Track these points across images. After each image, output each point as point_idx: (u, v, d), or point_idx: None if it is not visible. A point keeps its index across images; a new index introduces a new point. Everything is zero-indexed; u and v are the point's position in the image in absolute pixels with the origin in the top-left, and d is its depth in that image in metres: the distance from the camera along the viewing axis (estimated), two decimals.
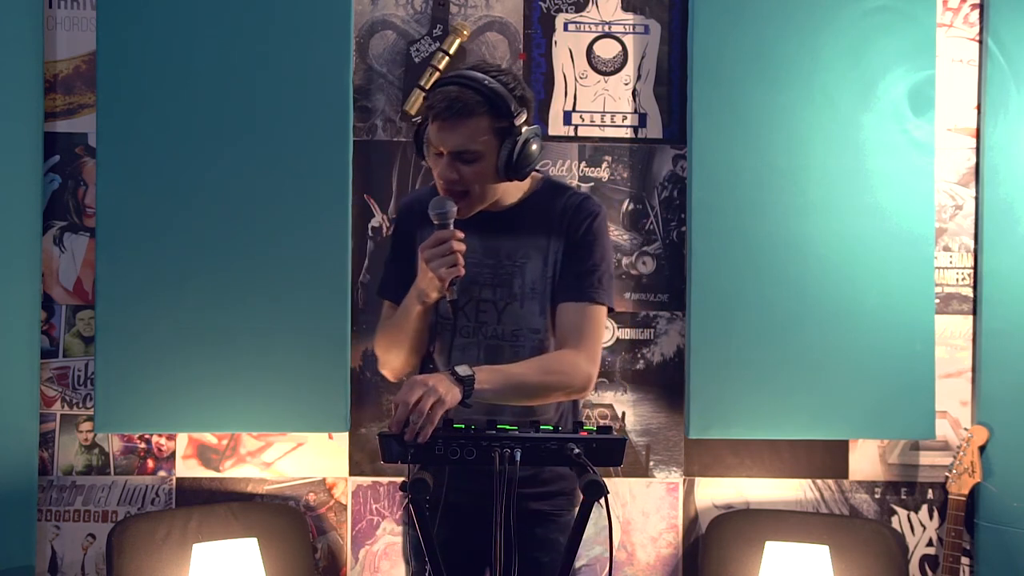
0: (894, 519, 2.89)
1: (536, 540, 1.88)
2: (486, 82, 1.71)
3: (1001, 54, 2.82)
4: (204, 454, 2.83)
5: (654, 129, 2.89)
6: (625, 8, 2.88)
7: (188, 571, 2.54)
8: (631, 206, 2.89)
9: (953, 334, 2.89)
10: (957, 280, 2.90)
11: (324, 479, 2.85)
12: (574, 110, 2.88)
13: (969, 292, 2.90)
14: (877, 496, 2.90)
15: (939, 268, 2.86)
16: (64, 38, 2.81)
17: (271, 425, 2.73)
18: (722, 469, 2.88)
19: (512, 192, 1.85)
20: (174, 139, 2.68)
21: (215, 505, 2.74)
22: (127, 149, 2.68)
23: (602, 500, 1.49)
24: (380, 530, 2.85)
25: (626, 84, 2.89)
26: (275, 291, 2.66)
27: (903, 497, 2.90)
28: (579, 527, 1.55)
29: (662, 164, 2.89)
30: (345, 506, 2.84)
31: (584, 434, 1.58)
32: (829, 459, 2.89)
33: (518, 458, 1.53)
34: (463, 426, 1.59)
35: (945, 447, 2.88)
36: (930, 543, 2.91)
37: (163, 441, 2.83)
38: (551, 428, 1.60)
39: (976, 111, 2.89)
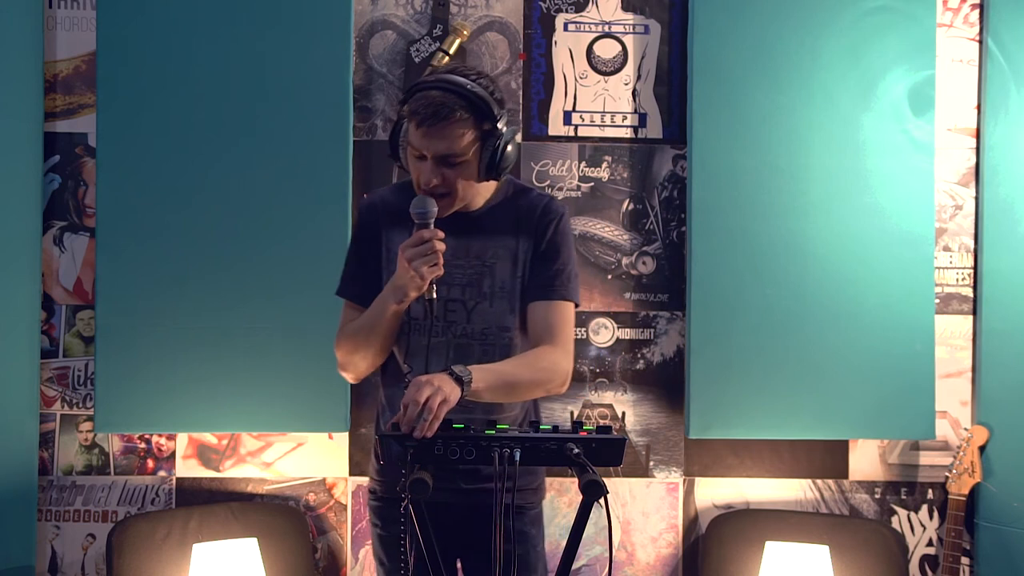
0: (894, 519, 2.89)
1: (507, 533, 1.90)
2: (468, 86, 1.73)
3: (1001, 54, 2.82)
4: (204, 454, 2.83)
5: (654, 129, 2.89)
6: (625, 8, 2.89)
7: (188, 571, 2.54)
8: (631, 206, 2.89)
9: (953, 334, 2.89)
10: (957, 280, 2.90)
11: (324, 479, 2.85)
12: (574, 110, 2.88)
13: (969, 292, 2.90)
14: (877, 496, 2.90)
15: (939, 268, 2.86)
16: (64, 38, 2.81)
17: (271, 425, 2.74)
18: (722, 469, 2.88)
19: (482, 193, 1.87)
20: (174, 139, 2.68)
21: (215, 505, 2.74)
22: (127, 149, 2.68)
23: (602, 500, 1.49)
24: None
25: (626, 84, 2.89)
26: (275, 291, 2.66)
27: (903, 497, 2.90)
28: (579, 527, 1.55)
29: (662, 164, 2.89)
30: (345, 506, 2.85)
31: (584, 434, 1.58)
32: (829, 459, 2.89)
33: (518, 458, 1.54)
34: (462, 426, 1.60)
35: (945, 447, 2.88)
36: (930, 543, 2.91)
37: (163, 441, 2.83)
38: (550, 428, 1.60)
39: (976, 111, 2.89)
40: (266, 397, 2.67)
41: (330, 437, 2.84)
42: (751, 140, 2.74)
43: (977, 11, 2.89)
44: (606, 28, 2.89)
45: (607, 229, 2.88)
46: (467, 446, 1.56)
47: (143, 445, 2.83)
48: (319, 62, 2.70)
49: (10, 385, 2.67)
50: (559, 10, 2.88)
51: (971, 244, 2.90)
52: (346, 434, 2.82)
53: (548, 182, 2.87)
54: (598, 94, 2.89)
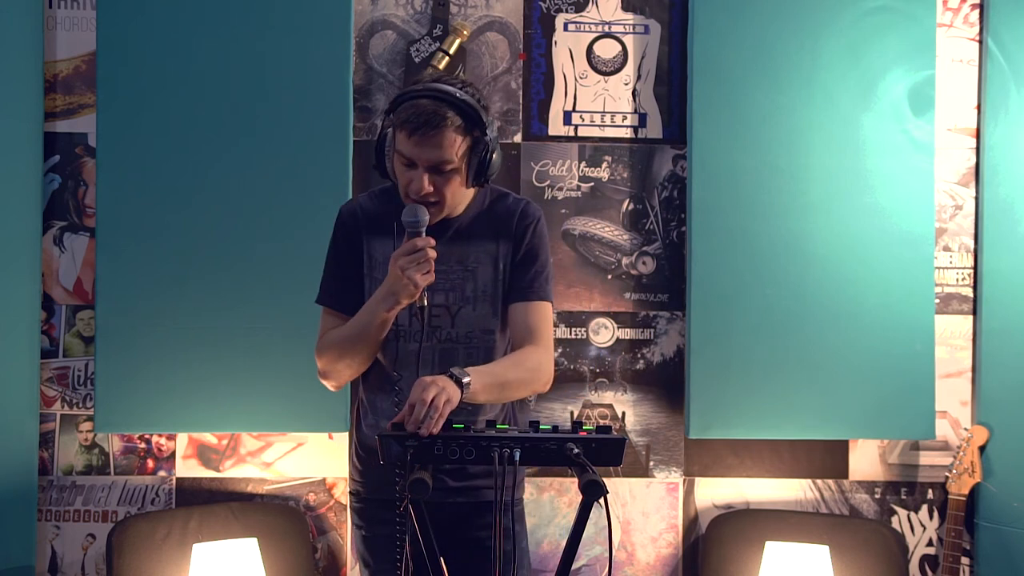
0: (894, 519, 2.89)
1: (489, 527, 1.92)
2: (458, 95, 1.75)
3: (1001, 54, 2.82)
4: (204, 454, 2.83)
5: (654, 129, 2.89)
6: (625, 8, 2.88)
7: (188, 571, 2.54)
8: (631, 206, 2.89)
9: (953, 334, 2.89)
10: (957, 280, 2.90)
11: (324, 479, 2.85)
12: (574, 110, 2.88)
13: (969, 292, 2.90)
14: (877, 496, 2.89)
15: (939, 268, 2.86)
16: (64, 38, 2.81)
17: (271, 425, 2.74)
18: (722, 469, 2.88)
19: (464, 199, 1.89)
20: (174, 139, 2.68)
21: (215, 505, 2.74)
22: (127, 149, 2.68)
23: (602, 500, 1.49)
24: None
25: (626, 84, 2.89)
26: (275, 290, 2.66)
27: (903, 497, 2.90)
28: (579, 527, 1.55)
29: (662, 164, 2.89)
30: (345, 506, 2.84)
31: (583, 434, 1.58)
32: (829, 459, 2.89)
33: (517, 458, 1.54)
34: (462, 426, 1.60)
35: (945, 447, 2.88)
36: (930, 543, 2.91)
37: (163, 441, 2.83)
38: (550, 428, 1.60)
39: (976, 111, 2.89)
40: (266, 397, 2.67)
41: (330, 437, 2.84)
42: (751, 140, 2.74)
43: (977, 11, 2.89)
44: (606, 28, 2.89)
45: (607, 229, 2.88)
46: (467, 446, 1.56)
47: (143, 445, 2.83)
48: (319, 62, 2.70)
49: (10, 385, 2.67)
50: (559, 10, 2.88)
51: (971, 244, 2.90)
52: (346, 434, 2.82)
53: (548, 182, 2.87)
54: (598, 94, 2.89)
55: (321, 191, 2.67)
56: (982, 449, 2.76)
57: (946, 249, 2.90)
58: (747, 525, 2.75)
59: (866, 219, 2.74)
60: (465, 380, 1.67)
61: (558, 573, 1.59)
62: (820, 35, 2.74)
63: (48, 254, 2.81)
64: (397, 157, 1.79)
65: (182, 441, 2.83)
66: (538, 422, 1.62)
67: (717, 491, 2.88)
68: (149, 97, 2.68)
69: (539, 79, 2.88)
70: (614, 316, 2.88)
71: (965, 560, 2.82)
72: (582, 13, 2.88)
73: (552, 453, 1.57)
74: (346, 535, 2.85)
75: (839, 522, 2.77)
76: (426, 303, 1.76)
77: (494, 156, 1.82)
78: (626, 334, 2.89)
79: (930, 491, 2.90)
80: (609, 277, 2.88)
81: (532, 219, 1.93)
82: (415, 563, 1.59)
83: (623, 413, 2.87)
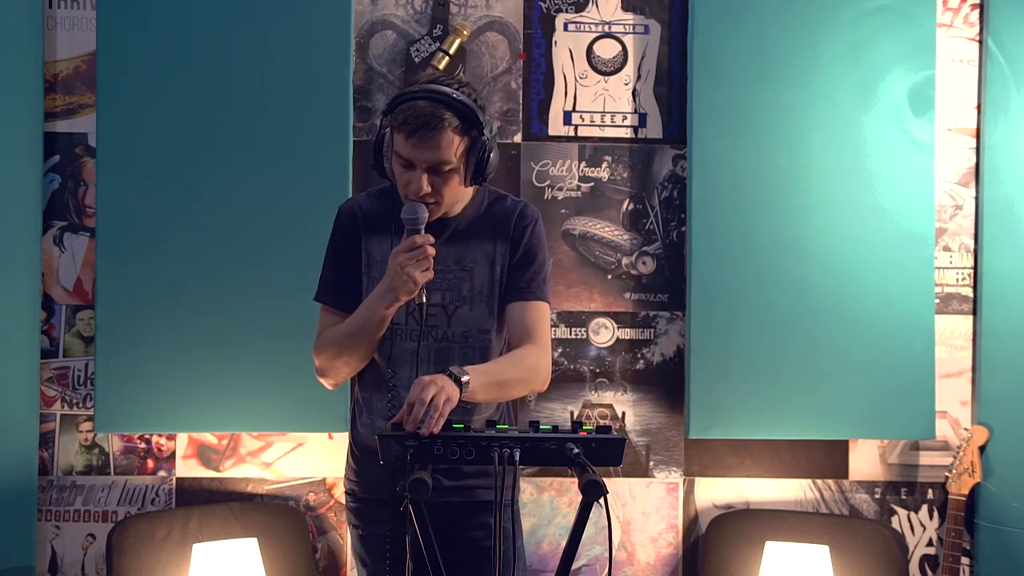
0: (894, 519, 2.89)
1: (487, 527, 1.92)
2: (454, 95, 1.75)
3: (1001, 54, 2.82)
4: (204, 454, 2.83)
5: (654, 129, 2.89)
6: (625, 8, 2.88)
7: (188, 571, 2.54)
8: (631, 206, 2.89)
9: (953, 334, 2.89)
10: (957, 280, 2.90)
11: (324, 479, 2.85)
12: (574, 110, 2.88)
13: (969, 292, 2.90)
14: (877, 496, 2.89)
15: (939, 268, 2.86)
16: (64, 38, 2.81)
17: (271, 425, 2.74)
18: (722, 469, 2.88)
19: (461, 199, 1.90)
20: (174, 139, 2.68)
21: (215, 505, 2.74)
22: (127, 149, 2.68)
23: (602, 500, 1.49)
24: None
25: (626, 84, 2.89)
26: (275, 290, 2.66)
27: (903, 497, 2.90)
28: (579, 527, 1.55)
29: (662, 164, 2.89)
30: (345, 506, 2.84)
31: (583, 434, 1.58)
32: (829, 459, 2.89)
33: (517, 458, 1.54)
34: (462, 426, 1.60)
35: (945, 447, 2.88)
36: (930, 543, 2.91)
37: (163, 441, 2.83)
38: (550, 428, 1.60)
39: (976, 111, 2.89)
40: (266, 397, 2.67)
41: (330, 437, 2.84)
42: (751, 140, 2.74)
43: (977, 11, 2.89)
44: (606, 28, 2.89)
45: (607, 229, 2.88)
46: (467, 446, 1.56)
47: (143, 445, 2.83)
48: (319, 62, 2.70)
49: (10, 385, 2.67)
50: (559, 10, 2.88)
51: (971, 244, 2.90)
52: (346, 434, 2.81)
53: (548, 182, 2.87)
54: (598, 94, 2.89)
55: (321, 191, 2.67)
56: (982, 449, 2.76)
57: (946, 249, 2.90)
58: (747, 525, 2.75)
59: (866, 219, 2.74)
60: (464, 379, 1.67)
61: (558, 573, 1.58)
62: (820, 35, 2.74)
63: (48, 254, 2.81)
64: (395, 158, 1.80)
65: (182, 441, 2.83)
66: (538, 422, 1.62)
67: (717, 491, 2.88)
68: (149, 97, 2.68)
69: (539, 79, 2.88)
70: (614, 316, 2.88)
71: (965, 560, 2.82)
72: (582, 13, 2.88)
73: (552, 453, 1.56)
74: (346, 535, 2.85)
75: (839, 522, 2.77)
76: (425, 300, 1.77)
77: (492, 155, 1.82)
78: (626, 334, 2.89)
79: (930, 491, 2.90)
80: (609, 277, 2.88)
81: (530, 220, 1.94)
82: (415, 563, 1.60)
83: (623, 413, 2.87)
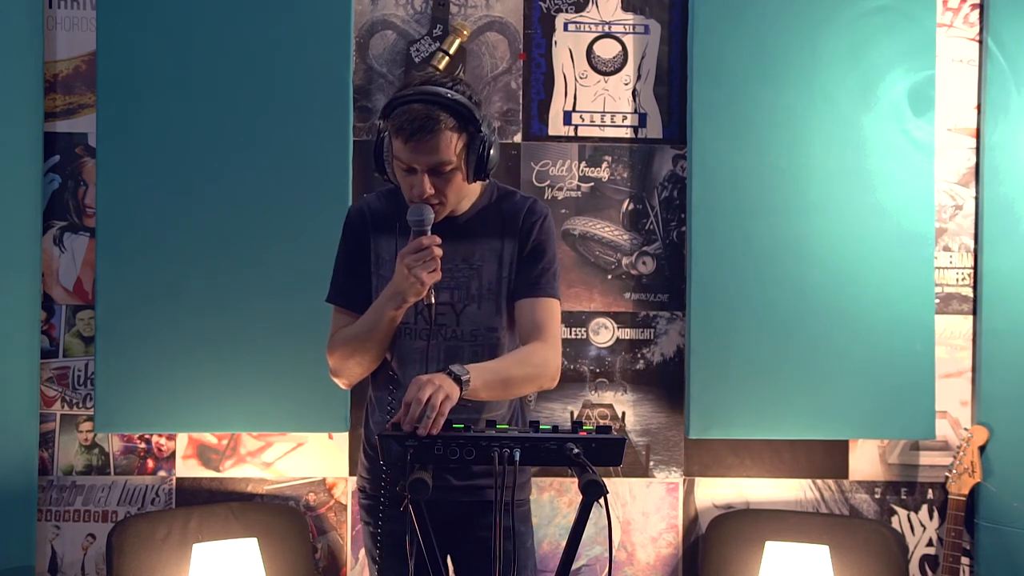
0: (894, 519, 2.89)
1: (491, 527, 1.92)
2: (448, 95, 1.75)
3: (1001, 54, 2.82)
4: (204, 454, 2.83)
5: (654, 129, 2.89)
6: (625, 8, 2.88)
7: (188, 571, 2.54)
8: (631, 206, 2.89)
9: (953, 334, 2.89)
10: (957, 280, 2.90)
11: (324, 479, 2.85)
12: (574, 110, 2.88)
13: (969, 292, 2.90)
14: (877, 496, 2.89)
15: (939, 268, 2.86)
16: (64, 38, 2.81)
17: (271, 425, 2.74)
18: (722, 469, 2.88)
19: (468, 197, 1.91)
20: (174, 139, 2.69)
21: (215, 505, 2.74)
22: (127, 149, 2.68)
23: (602, 500, 1.49)
24: None
25: (626, 84, 2.89)
26: (275, 290, 2.66)
27: (903, 497, 2.90)
28: (579, 527, 1.55)
29: (662, 164, 2.89)
30: (345, 506, 2.85)
31: (583, 434, 1.58)
32: (829, 459, 2.89)
33: (517, 458, 1.54)
34: (462, 426, 1.60)
35: (945, 447, 2.88)
36: (930, 543, 2.91)
37: (163, 441, 2.83)
38: (550, 428, 1.60)
39: (976, 111, 2.89)
40: (266, 397, 2.67)
41: (330, 437, 2.84)
42: (751, 140, 2.74)
43: (977, 11, 2.89)
44: (606, 28, 2.89)
45: (607, 229, 2.88)
46: (467, 446, 1.56)
47: (143, 445, 2.83)
48: (319, 62, 2.70)
49: (10, 385, 2.67)
50: (559, 10, 2.88)
51: (971, 244, 2.90)
52: (346, 434, 2.82)
53: (548, 182, 2.87)
54: (598, 94, 2.89)
55: (321, 191, 2.67)
56: (982, 449, 2.76)
57: (946, 249, 2.90)
58: (747, 525, 2.75)
59: (866, 219, 2.74)
60: (464, 377, 1.66)
61: (558, 573, 1.58)
62: (820, 35, 2.74)
63: (48, 254, 2.81)
64: (396, 162, 1.80)
65: (182, 441, 2.83)
66: (538, 422, 1.61)
67: (717, 491, 2.88)
68: (149, 97, 2.68)
69: (539, 79, 2.88)
70: (614, 316, 2.88)
71: (965, 560, 2.82)
72: (582, 13, 2.88)
73: (552, 453, 1.56)
74: (346, 535, 2.85)
75: (839, 522, 2.77)
76: (433, 301, 1.77)
77: (492, 151, 1.82)
78: (626, 334, 2.89)
79: (930, 491, 2.90)
80: (609, 277, 2.88)
81: (539, 216, 1.93)
82: (418, 562, 1.59)
83: (623, 413, 2.87)
